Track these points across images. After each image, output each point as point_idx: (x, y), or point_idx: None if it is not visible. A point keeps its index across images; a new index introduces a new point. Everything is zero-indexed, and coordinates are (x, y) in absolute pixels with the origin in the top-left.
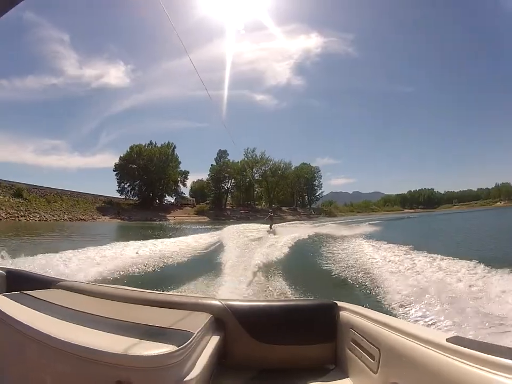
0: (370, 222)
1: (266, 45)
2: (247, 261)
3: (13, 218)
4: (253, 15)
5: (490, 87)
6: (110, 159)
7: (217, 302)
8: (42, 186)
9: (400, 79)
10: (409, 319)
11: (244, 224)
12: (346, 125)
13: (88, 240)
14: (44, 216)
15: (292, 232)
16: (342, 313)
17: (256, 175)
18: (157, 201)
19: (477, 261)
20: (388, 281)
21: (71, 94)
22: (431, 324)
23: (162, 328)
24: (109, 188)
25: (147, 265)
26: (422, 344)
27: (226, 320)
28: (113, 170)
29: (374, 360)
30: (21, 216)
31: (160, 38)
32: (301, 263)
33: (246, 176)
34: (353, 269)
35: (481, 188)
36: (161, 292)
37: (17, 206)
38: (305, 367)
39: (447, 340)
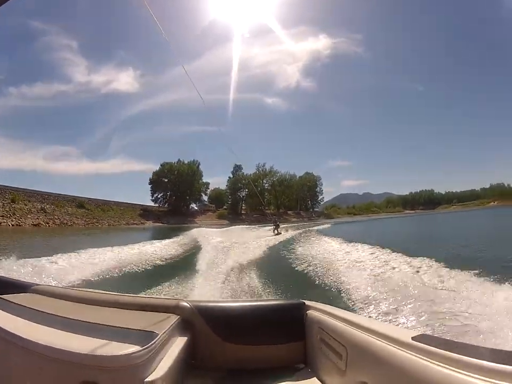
0: (356, 221)
1: (277, 48)
2: (220, 263)
3: (91, 224)
4: (263, 19)
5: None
6: (122, 164)
7: (185, 304)
8: (91, 198)
9: (410, 78)
10: (376, 317)
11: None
12: (357, 126)
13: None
14: (111, 222)
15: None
16: (310, 312)
17: (266, 185)
18: (184, 208)
19: (439, 260)
20: (354, 280)
21: (80, 100)
22: (398, 322)
23: (128, 329)
24: (125, 193)
25: (130, 268)
26: (388, 343)
27: (194, 322)
28: (149, 184)
29: (341, 359)
30: (96, 223)
31: (166, 43)
32: (272, 264)
33: (257, 186)
34: (321, 269)
35: (483, 188)
36: (131, 295)
37: (87, 215)
38: (275, 367)
39: (413, 338)
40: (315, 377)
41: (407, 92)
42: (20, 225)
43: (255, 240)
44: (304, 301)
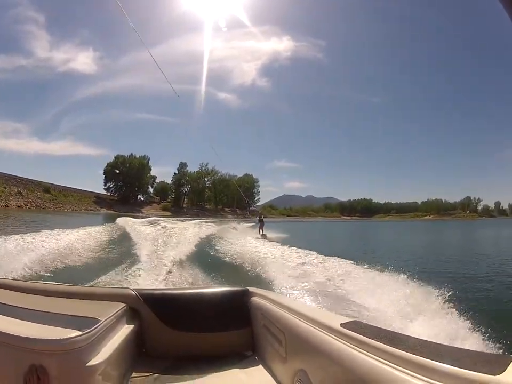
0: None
1: (237, 44)
2: (164, 252)
3: (58, 208)
4: (228, 12)
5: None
6: (69, 147)
7: (131, 292)
8: (54, 184)
9: (366, 90)
10: (310, 302)
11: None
12: (306, 130)
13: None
14: (74, 207)
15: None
16: (254, 299)
17: (207, 183)
18: (133, 198)
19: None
20: (293, 267)
21: (38, 76)
22: (328, 308)
23: (73, 316)
24: (72, 176)
25: (74, 257)
26: (319, 329)
27: (140, 310)
28: (103, 174)
29: (282, 346)
30: (62, 207)
31: (131, 27)
32: (215, 254)
33: (200, 183)
34: (262, 257)
35: (424, 201)
36: (80, 285)
37: (53, 200)
38: (224, 354)
39: (342, 324)
40: (261, 365)
41: (361, 102)
42: (8, 206)
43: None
44: (248, 287)
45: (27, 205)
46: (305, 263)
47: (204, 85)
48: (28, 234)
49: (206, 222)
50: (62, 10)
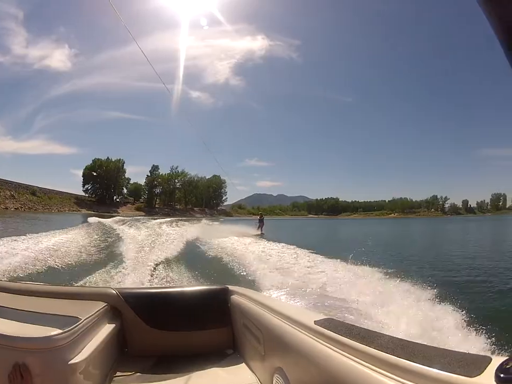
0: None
1: (212, 42)
2: (148, 252)
3: (46, 210)
4: (203, 10)
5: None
6: (41, 146)
7: (112, 291)
8: (40, 186)
9: (339, 90)
10: (286, 299)
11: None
12: (279, 129)
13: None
14: (59, 208)
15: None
16: (233, 297)
17: (178, 184)
18: (109, 199)
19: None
20: (270, 266)
21: (14, 73)
22: (302, 305)
23: (55, 315)
24: (45, 176)
25: (54, 258)
26: (294, 326)
27: (121, 309)
28: (82, 176)
29: (260, 344)
30: (49, 209)
31: (107, 25)
32: (196, 253)
33: (170, 185)
34: (242, 256)
35: (390, 200)
36: (62, 285)
37: (41, 202)
38: (205, 352)
39: (315, 322)
40: (243, 363)
41: (333, 101)
42: (7, 208)
43: None
44: (227, 286)
45: (21, 208)
46: (271, 255)
47: (180, 83)
48: (19, 236)
49: (171, 220)
50: (40, 5)
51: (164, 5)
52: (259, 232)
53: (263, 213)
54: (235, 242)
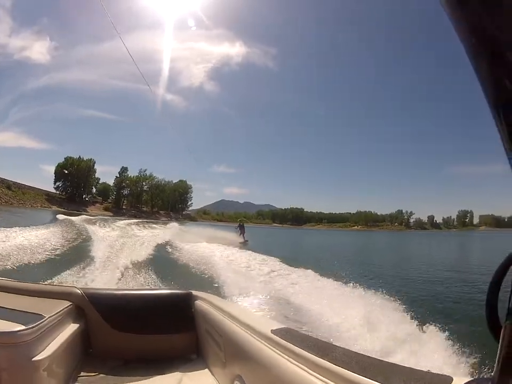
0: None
1: (189, 45)
2: (116, 254)
3: (21, 205)
4: (184, 13)
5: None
6: (12, 139)
7: (77, 291)
8: (14, 181)
9: (312, 102)
10: (253, 308)
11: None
12: (250, 137)
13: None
14: (32, 204)
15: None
16: (197, 302)
17: (145, 187)
18: (78, 198)
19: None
20: (233, 274)
21: None
22: (262, 312)
23: (19, 311)
24: (6, 168)
25: (22, 255)
26: (252, 335)
27: (85, 309)
28: (54, 173)
29: (221, 351)
30: (24, 204)
31: (91, 20)
32: (163, 257)
33: (138, 187)
34: (206, 262)
35: (355, 212)
36: (27, 282)
37: (15, 197)
38: (169, 357)
39: (272, 331)
40: (206, 368)
41: (306, 112)
42: None
43: None
44: (192, 291)
45: None
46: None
47: (164, 85)
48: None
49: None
50: None
51: (147, 5)
52: (242, 240)
53: (243, 219)
54: (215, 249)
